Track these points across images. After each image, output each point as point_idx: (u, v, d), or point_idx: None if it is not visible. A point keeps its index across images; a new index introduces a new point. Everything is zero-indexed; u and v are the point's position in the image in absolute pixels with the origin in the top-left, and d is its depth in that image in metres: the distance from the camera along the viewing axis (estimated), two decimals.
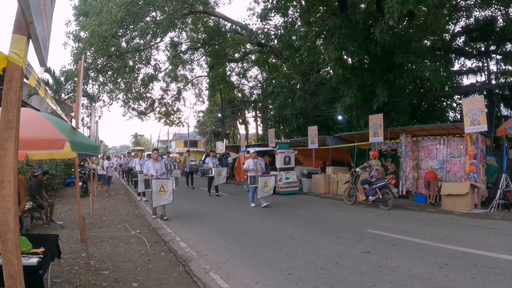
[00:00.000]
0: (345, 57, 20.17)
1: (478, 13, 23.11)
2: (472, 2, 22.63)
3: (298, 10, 23.86)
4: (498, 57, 23.18)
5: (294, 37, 20.44)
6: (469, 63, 24.56)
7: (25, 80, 2.39)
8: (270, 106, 35.07)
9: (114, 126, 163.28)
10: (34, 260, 4.35)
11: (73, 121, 6.98)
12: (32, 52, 2.29)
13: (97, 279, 5.89)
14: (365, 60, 20.10)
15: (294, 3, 23.16)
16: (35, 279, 4.30)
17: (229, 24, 32.26)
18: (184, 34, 34.31)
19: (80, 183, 16.61)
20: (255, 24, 27.51)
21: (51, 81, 24.26)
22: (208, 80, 41.40)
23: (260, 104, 40.92)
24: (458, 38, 24.20)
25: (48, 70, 23.77)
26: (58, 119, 6.30)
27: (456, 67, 24.53)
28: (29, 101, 20.51)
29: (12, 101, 2.14)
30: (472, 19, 23.32)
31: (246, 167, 15.09)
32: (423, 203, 14.44)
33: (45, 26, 2.33)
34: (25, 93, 20.09)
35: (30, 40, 2.19)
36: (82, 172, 19.47)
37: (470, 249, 7.13)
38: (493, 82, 22.75)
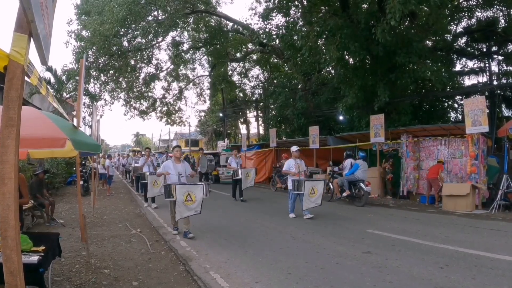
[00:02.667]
0: (347, 57, 20.16)
1: (480, 13, 23.10)
2: (474, 3, 22.60)
3: (300, 10, 23.89)
4: (500, 58, 23.13)
5: (295, 37, 20.42)
6: (470, 64, 24.57)
7: (26, 78, 2.40)
8: (272, 106, 35.08)
9: (116, 125, 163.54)
10: (34, 258, 4.35)
11: (75, 120, 6.99)
12: (34, 51, 2.29)
13: (97, 278, 5.90)
14: (366, 60, 20.07)
15: (296, 3, 23.17)
16: (35, 277, 4.30)
17: (230, 24, 32.29)
18: (185, 33, 34.32)
19: (81, 182, 16.64)
20: (257, 24, 27.63)
21: (52, 80, 24.33)
22: (209, 80, 41.41)
23: (261, 103, 40.87)
24: (460, 39, 24.20)
25: (50, 69, 23.82)
26: (59, 117, 6.32)
27: (458, 67, 24.52)
28: (30, 100, 20.55)
29: (13, 99, 2.15)
30: (474, 20, 23.32)
31: (287, 168, 12.03)
32: (424, 204, 14.43)
33: (46, 25, 2.34)
34: (27, 92, 20.13)
35: (32, 38, 2.19)
36: (83, 171, 19.53)
37: (471, 250, 7.13)
38: (495, 83, 22.74)
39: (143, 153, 18.26)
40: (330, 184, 16.29)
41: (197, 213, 8.83)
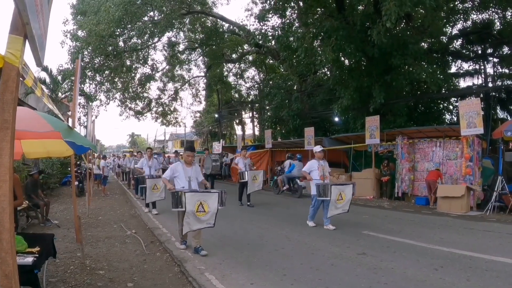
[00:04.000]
0: (342, 58, 20.24)
1: (475, 16, 23.27)
2: (469, 5, 22.71)
3: (296, 11, 23.94)
4: (495, 60, 23.25)
5: (291, 38, 20.49)
6: (466, 66, 24.70)
7: (22, 79, 2.40)
8: (267, 107, 35.05)
9: (111, 125, 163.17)
10: (29, 260, 4.35)
11: (70, 120, 6.99)
12: (29, 52, 2.30)
13: (92, 279, 5.88)
14: (362, 62, 20.15)
15: (292, 4, 23.19)
16: (30, 278, 4.30)
17: (226, 25, 32.29)
18: (181, 34, 34.31)
19: (76, 183, 16.58)
20: (253, 24, 27.60)
21: (48, 80, 24.23)
22: (205, 81, 41.32)
23: (257, 104, 40.89)
24: (455, 41, 24.35)
25: (45, 69, 23.75)
26: (54, 118, 6.30)
27: (453, 69, 24.65)
28: (26, 99, 20.47)
29: (8, 101, 2.14)
30: (469, 22, 23.49)
31: (307, 169, 10.65)
32: (419, 205, 14.45)
33: (41, 26, 2.34)
34: (22, 92, 20.07)
35: (27, 40, 2.19)
36: (79, 171, 19.44)
37: (466, 251, 7.15)
38: (490, 85, 22.86)
39: (143, 154, 17.41)
40: (277, 180, 19.46)
41: (210, 225, 7.32)
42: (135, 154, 22.24)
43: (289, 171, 18.15)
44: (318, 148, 10.99)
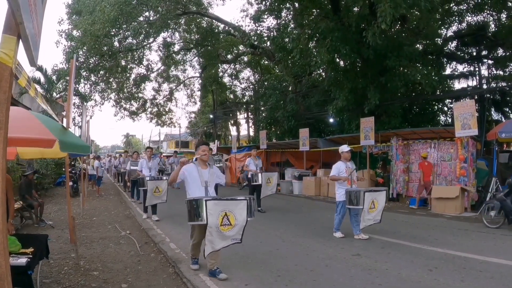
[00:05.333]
0: (338, 60, 20.29)
1: (470, 18, 23.35)
2: (464, 7, 22.78)
3: (292, 12, 23.96)
4: (490, 62, 23.36)
5: (287, 39, 20.46)
6: (460, 68, 24.78)
7: (15, 79, 2.39)
8: (262, 108, 35.07)
9: (106, 126, 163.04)
10: (23, 260, 4.34)
11: (64, 120, 6.96)
12: (23, 52, 2.28)
13: (86, 280, 5.86)
14: (357, 63, 20.20)
15: (288, 5, 23.20)
16: (24, 279, 4.29)
17: (222, 25, 32.34)
18: (177, 34, 34.33)
19: (71, 183, 16.52)
20: (248, 25, 27.69)
21: (42, 79, 24.12)
22: (200, 81, 41.30)
23: (252, 105, 40.92)
24: (450, 43, 24.44)
25: (40, 69, 23.64)
26: (48, 118, 6.28)
27: (448, 71, 24.73)
28: (20, 99, 20.37)
29: (1, 102, 2.13)
30: (464, 24, 23.56)
31: (335, 174, 9.22)
32: (413, 206, 14.47)
33: (35, 26, 2.33)
34: (17, 92, 19.98)
35: (20, 40, 2.18)
36: (73, 172, 19.38)
37: (460, 252, 7.17)
38: (484, 86, 22.90)
39: (144, 154, 16.81)
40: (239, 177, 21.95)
41: (237, 241, 5.82)
42: (131, 154, 21.52)
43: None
44: (345, 148, 9.56)
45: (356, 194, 8.50)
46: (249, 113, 43.70)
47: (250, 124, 44.09)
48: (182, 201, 6.78)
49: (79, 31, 25.71)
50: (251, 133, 43.02)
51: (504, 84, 22.66)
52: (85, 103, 28.14)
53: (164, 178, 12.49)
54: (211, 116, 43.97)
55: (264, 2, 21.96)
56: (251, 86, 41.67)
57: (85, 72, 27.58)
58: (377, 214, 8.73)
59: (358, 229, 8.77)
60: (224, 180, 6.90)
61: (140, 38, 28.70)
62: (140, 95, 37.35)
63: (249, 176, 13.82)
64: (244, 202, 5.80)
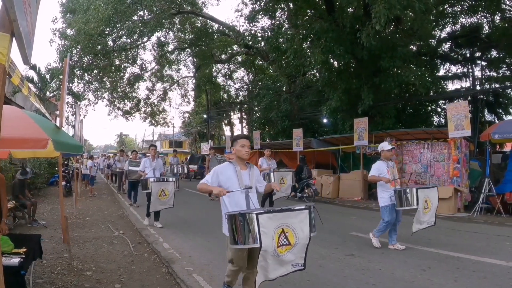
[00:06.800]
0: (332, 60, 20.30)
1: (464, 19, 23.50)
2: (458, 9, 22.90)
3: (286, 12, 23.98)
4: (483, 63, 23.53)
5: (281, 40, 20.49)
6: (454, 69, 24.96)
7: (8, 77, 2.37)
8: (256, 108, 35.08)
9: (99, 125, 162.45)
10: (16, 261, 4.30)
11: (58, 119, 6.93)
12: (17, 50, 2.27)
13: (79, 280, 5.83)
14: (351, 64, 20.25)
15: (282, 5, 23.22)
16: (17, 279, 4.26)
17: (216, 25, 32.31)
18: (171, 34, 34.36)
19: (64, 183, 16.45)
20: (242, 25, 27.62)
21: (36, 78, 24.03)
22: (194, 81, 41.31)
23: (245, 105, 40.95)
24: (444, 44, 24.58)
25: (33, 67, 23.56)
26: (42, 117, 6.25)
27: (442, 72, 24.91)
28: (13, 98, 20.27)
29: None
30: (458, 26, 23.72)
31: (375, 174, 7.88)
32: None
33: (29, 23, 2.31)
34: (10, 90, 19.89)
35: (14, 38, 2.16)
36: (66, 171, 19.29)
37: (453, 252, 7.20)
38: (478, 88, 23.04)
39: (139, 154, 16.11)
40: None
41: (299, 268, 4.27)
42: (128, 154, 21.00)
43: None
44: (387, 146, 8.15)
45: (408, 192, 7.45)
46: (243, 113, 43.76)
47: (244, 124, 44.13)
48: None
49: (73, 29, 25.61)
50: (245, 133, 42.99)
51: (497, 85, 22.77)
52: (78, 102, 28.09)
53: (171, 179, 10.75)
54: (205, 116, 43.99)
55: (258, 2, 21.98)
56: (245, 86, 41.73)
57: (78, 71, 27.47)
58: (431, 215, 7.74)
59: (395, 239, 7.86)
60: (263, 187, 4.99)
61: (134, 37, 28.63)
62: (134, 94, 37.39)
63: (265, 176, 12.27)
64: (305, 213, 4.11)
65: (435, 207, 7.69)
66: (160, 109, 41.45)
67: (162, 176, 11.20)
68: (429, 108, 24.69)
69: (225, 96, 45.49)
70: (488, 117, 23.27)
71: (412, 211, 7.63)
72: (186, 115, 49.91)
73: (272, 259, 3.94)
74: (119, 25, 26.03)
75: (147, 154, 15.39)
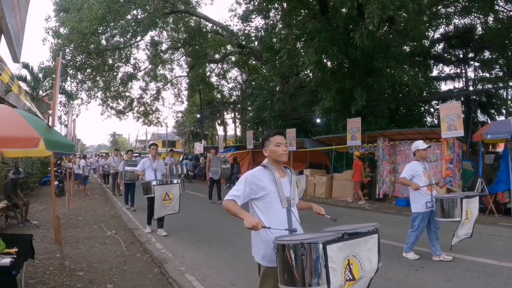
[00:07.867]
0: (325, 60, 20.34)
1: (457, 20, 23.61)
2: (452, 10, 22.99)
3: (280, 12, 23.99)
4: (476, 64, 23.60)
5: (274, 40, 20.48)
6: (447, 70, 25.02)
7: None
8: (249, 108, 35.05)
9: (92, 125, 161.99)
10: (7, 261, 4.28)
11: (50, 118, 6.90)
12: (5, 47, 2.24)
13: (71, 280, 5.81)
14: (344, 64, 20.29)
15: (276, 5, 23.23)
16: (8, 279, 4.24)
17: (210, 25, 32.23)
18: (164, 33, 34.26)
19: (56, 182, 16.38)
20: (236, 25, 27.56)
21: (29, 77, 23.93)
22: (187, 81, 41.26)
23: (239, 105, 40.91)
24: (437, 45, 24.67)
25: (26, 66, 23.46)
26: (34, 116, 6.21)
27: (435, 73, 24.96)
28: (6, 97, 20.17)
29: None
30: (451, 27, 23.82)
31: (407, 175, 7.07)
32: (401, 206, 14.52)
33: (18, 21, 2.28)
34: (3, 89, 19.79)
35: (2, 35, 2.14)
36: (59, 171, 19.20)
37: (446, 252, 7.20)
38: (471, 88, 23.14)
39: (136, 153, 15.48)
40: None
41: None
42: (122, 154, 20.45)
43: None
44: (422, 144, 7.27)
45: (452, 202, 6.64)
46: (236, 113, 43.73)
47: (237, 124, 44.12)
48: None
49: (66, 28, 25.48)
50: (238, 133, 43.05)
51: (490, 86, 22.87)
52: (71, 102, 27.97)
53: (175, 181, 9.82)
54: (198, 115, 43.86)
55: (252, 2, 21.97)
56: (238, 86, 41.68)
57: (71, 70, 27.30)
58: (469, 227, 7.00)
59: (439, 248, 7.00)
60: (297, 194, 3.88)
61: (128, 36, 28.52)
62: (127, 94, 37.26)
63: None
64: (375, 238, 3.33)
65: (475, 218, 7.07)
66: (153, 108, 41.50)
67: (165, 178, 10.33)
68: (422, 108, 24.74)
69: (219, 96, 45.41)
70: (481, 117, 23.33)
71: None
72: (179, 114, 49.84)
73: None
74: (112, 24, 25.92)
75: (141, 155, 14.71)
